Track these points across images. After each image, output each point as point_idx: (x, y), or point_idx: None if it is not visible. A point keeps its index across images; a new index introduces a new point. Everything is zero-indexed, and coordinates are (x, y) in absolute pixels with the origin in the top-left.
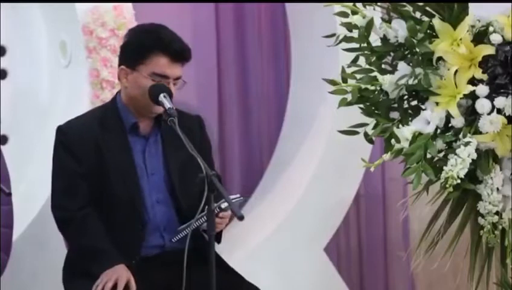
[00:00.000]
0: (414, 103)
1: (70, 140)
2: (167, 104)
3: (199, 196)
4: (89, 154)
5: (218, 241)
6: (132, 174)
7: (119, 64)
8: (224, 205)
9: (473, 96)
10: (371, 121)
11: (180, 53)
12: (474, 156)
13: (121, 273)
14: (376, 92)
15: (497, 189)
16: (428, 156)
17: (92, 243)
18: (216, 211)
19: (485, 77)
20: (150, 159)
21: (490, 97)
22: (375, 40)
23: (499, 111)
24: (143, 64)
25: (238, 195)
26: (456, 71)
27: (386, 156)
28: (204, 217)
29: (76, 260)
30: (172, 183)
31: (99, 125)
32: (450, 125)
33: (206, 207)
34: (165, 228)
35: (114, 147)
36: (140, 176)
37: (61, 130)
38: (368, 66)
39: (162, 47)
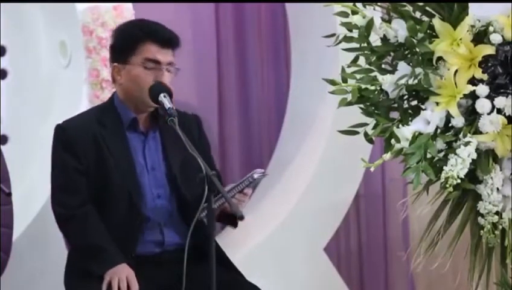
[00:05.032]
0: (414, 103)
1: (69, 138)
2: (167, 104)
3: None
4: (88, 152)
5: (235, 226)
6: (131, 170)
7: (111, 64)
8: (256, 175)
9: (473, 96)
10: (371, 121)
11: (168, 39)
12: (474, 156)
13: (122, 271)
14: (376, 92)
15: (497, 189)
16: (429, 156)
17: (93, 242)
18: (249, 182)
19: (485, 77)
20: (149, 155)
21: (490, 97)
22: (375, 40)
23: (499, 111)
24: (134, 55)
25: (262, 170)
26: (456, 71)
27: (386, 156)
28: (245, 182)
29: (76, 259)
30: (173, 178)
31: (98, 123)
32: (450, 125)
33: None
34: (165, 223)
35: (113, 144)
36: (140, 172)
37: (60, 128)
38: (368, 66)
39: (150, 35)
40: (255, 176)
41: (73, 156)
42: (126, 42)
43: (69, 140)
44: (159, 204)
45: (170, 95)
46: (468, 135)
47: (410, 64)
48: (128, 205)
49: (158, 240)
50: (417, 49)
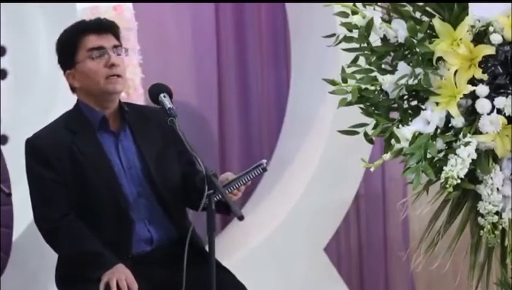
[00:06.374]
0: (414, 103)
1: (40, 150)
2: (167, 104)
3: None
4: (62, 161)
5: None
6: (109, 172)
7: (64, 74)
8: (265, 165)
9: (473, 96)
10: (371, 121)
11: (102, 24)
12: (474, 156)
13: (121, 271)
14: (376, 92)
15: (497, 189)
16: (429, 156)
17: (84, 249)
18: (258, 173)
19: (485, 77)
20: (124, 154)
21: (490, 97)
22: (375, 40)
23: (499, 111)
24: (78, 53)
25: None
26: (456, 71)
27: (386, 156)
28: (253, 173)
29: (69, 268)
30: (151, 175)
31: (68, 130)
32: (450, 125)
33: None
34: (150, 221)
35: (86, 148)
36: (117, 172)
37: (30, 143)
38: (368, 66)
39: (84, 28)
40: (264, 166)
41: (48, 168)
42: (66, 46)
43: (41, 152)
44: (140, 202)
45: (170, 95)
46: (468, 135)
47: (410, 64)
48: (114, 207)
49: (147, 237)
50: (417, 49)
